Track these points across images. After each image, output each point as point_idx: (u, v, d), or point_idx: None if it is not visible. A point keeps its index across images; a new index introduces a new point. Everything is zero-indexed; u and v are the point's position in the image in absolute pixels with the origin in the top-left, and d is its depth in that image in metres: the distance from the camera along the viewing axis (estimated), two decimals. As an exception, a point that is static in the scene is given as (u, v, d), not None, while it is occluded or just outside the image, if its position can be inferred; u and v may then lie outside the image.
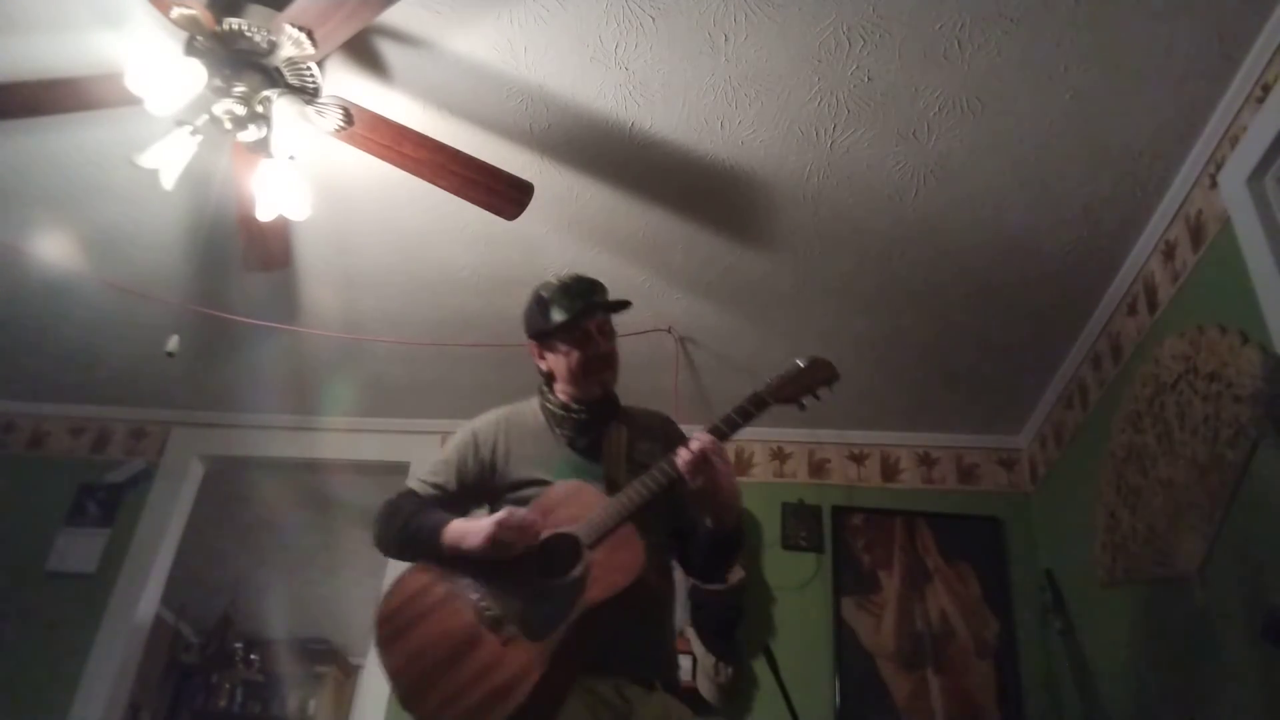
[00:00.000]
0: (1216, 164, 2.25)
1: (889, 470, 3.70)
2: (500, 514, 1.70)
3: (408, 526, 1.82)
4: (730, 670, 3.22)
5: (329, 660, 6.80)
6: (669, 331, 3.19)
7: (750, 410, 1.79)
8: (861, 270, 2.86)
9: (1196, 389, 2.32)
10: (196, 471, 4.02)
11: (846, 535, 3.54)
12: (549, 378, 1.97)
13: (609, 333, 1.95)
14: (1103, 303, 2.90)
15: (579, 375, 1.90)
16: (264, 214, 2.32)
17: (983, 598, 3.37)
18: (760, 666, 3.18)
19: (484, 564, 1.70)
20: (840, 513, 3.58)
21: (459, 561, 1.73)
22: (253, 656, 6.42)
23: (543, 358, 1.96)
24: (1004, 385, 3.39)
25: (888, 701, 3.22)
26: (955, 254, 2.76)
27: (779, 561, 3.50)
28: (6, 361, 3.78)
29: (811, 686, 3.20)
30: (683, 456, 1.70)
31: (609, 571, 1.64)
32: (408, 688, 1.65)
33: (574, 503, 1.74)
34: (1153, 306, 2.62)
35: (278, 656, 6.55)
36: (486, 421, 1.96)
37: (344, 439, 3.95)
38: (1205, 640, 2.24)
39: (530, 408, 1.99)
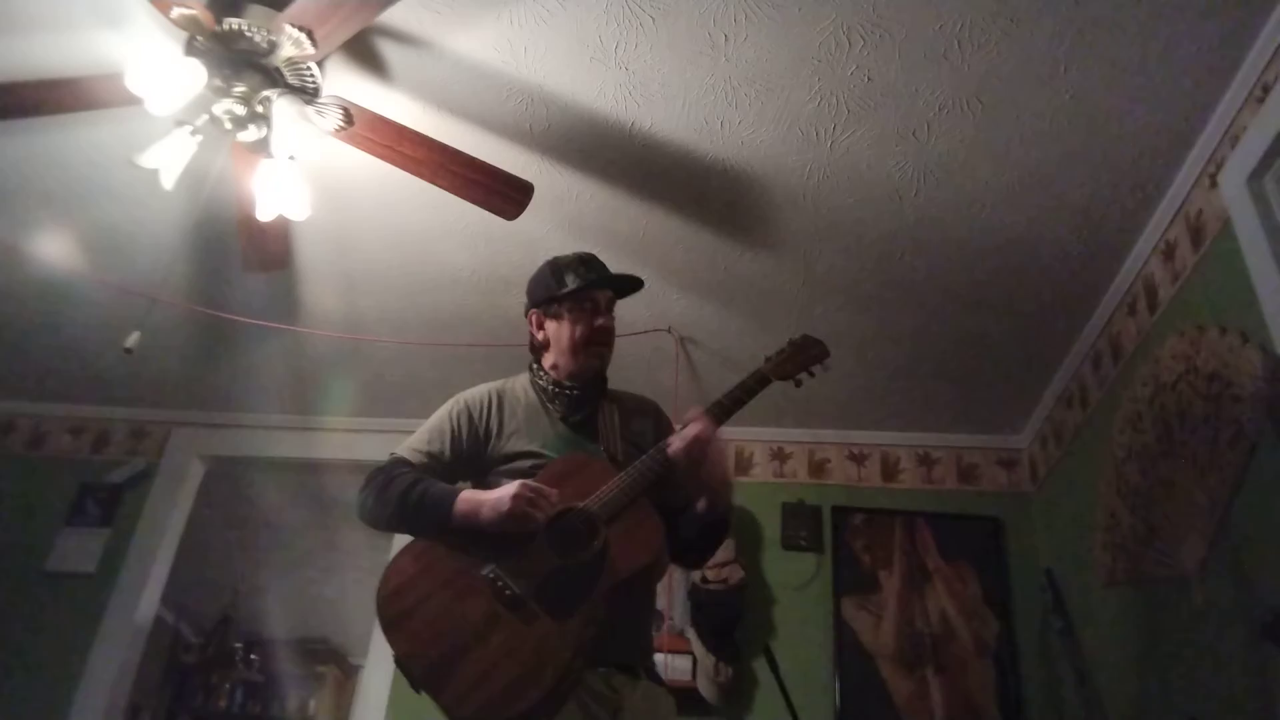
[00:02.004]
0: (1216, 164, 2.25)
1: (889, 470, 3.70)
2: (516, 484, 1.64)
3: (409, 495, 1.71)
4: (730, 670, 3.22)
5: (329, 660, 6.79)
6: (669, 331, 3.19)
7: (752, 387, 1.84)
8: (861, 270, 2.86)
9: (1196, 389, 2.32)
10: (196, 471, 4.02)
11: (846, 535, 3.54)
12: (542, 349, 1.96)
13: (612, 312, 1.96)
14: (1103, 303, 2.90)
15: (579, 346, 1.89)
16: (264, 214, 2.32)
17: (983, 598, 3.37)
18: (760, 666, 3.19)
19: (494, 539, 1.64)
20: (840, 513, 3.58)
21: (466, 535, 1.66)
22: (253, 656, 6.41)
23: (541, 328, 1.96)
24: (1004, 385, 3.39)
25: (888, 701, 3.22)
26: (955, 254, 2.76)
27: (779, 561, 3.51)
28: (6, 361, 3.78)
29: (811, 686, 3.21)
30: (675, 444, 1.71)
31: (629, 547, 1.62)
32: (426, 671, 1.55)
33: (581, 476, 1.71)
34: (1153, 306, 2.62)
35: (278, 656, 6.54)
36: (477, 392, 1.93)
37: (344, 439, 3.94)
38: (1205, 640, 2.24)
39: (520, 383, 1.97)
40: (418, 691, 1.57)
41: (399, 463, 1.83)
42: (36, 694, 3.45)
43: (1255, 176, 2.10)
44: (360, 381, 3.70)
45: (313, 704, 6.73)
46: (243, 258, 2.73)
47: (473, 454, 1.85)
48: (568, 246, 2.83)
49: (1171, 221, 2.50)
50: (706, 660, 3.21)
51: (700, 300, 3.06)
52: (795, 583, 3.46)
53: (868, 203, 2.60)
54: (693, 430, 1.73)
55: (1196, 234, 2.38)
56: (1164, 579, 2.44)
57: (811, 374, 1.89)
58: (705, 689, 3.19)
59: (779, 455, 3.75)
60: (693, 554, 1.92)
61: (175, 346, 3.54)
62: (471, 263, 2.98)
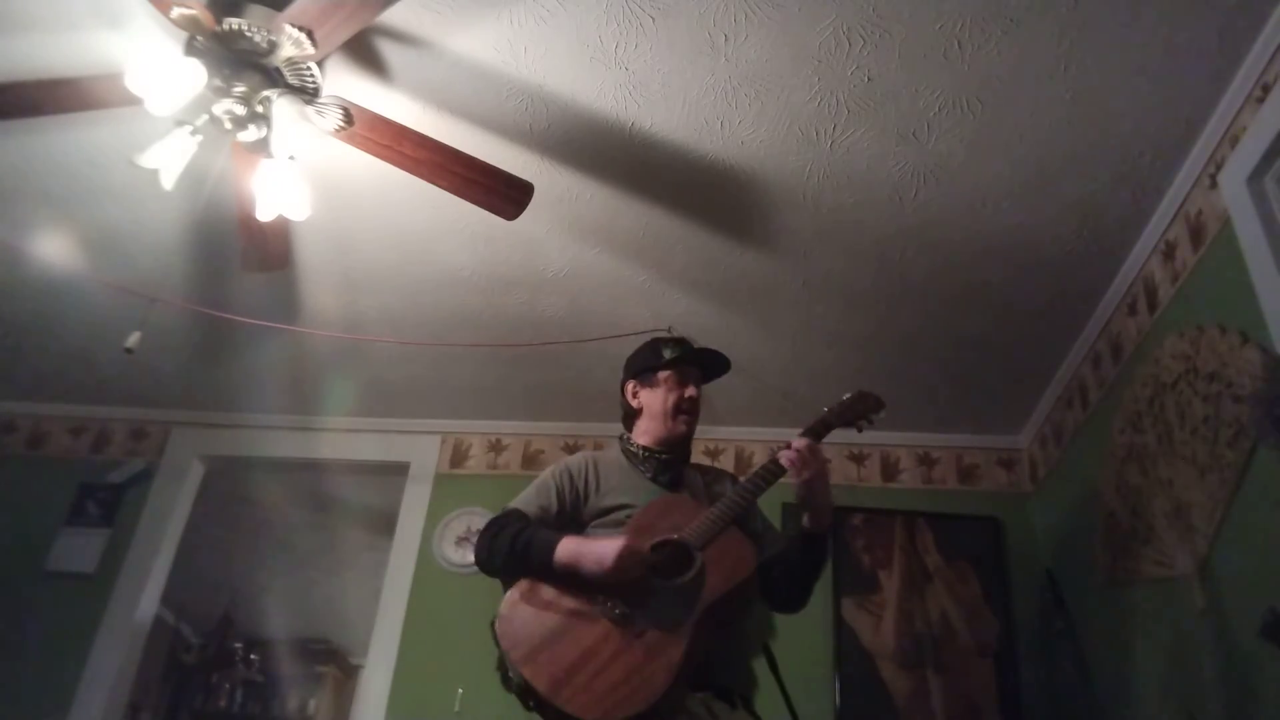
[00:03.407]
0: (1216, 164, 2.25)
1: (889, 470, 3.70)
2: (616, 545, 1.77)
3: (517, 540, 1.85)
4: (730, 670, 3.22)
5: (329, 660, 6.80)
6: (669, 332, 3.19)
7: (820, 431, 2.01)
8: (861, 270, 2.86)
9: (1196, 389, 2.32)
10: (196, 471, 4.01)
11: (846, 535, 3.53)
12: (634, 417, 2.17)
13: (700, 388, 2.19)
14: (1103, 303, 2.90)
15: (670, 412, 2.11)
16: (264, 214, 2.32)
17: (983, 598, 3.37)
18: (760, 666, 3.18)
19: None
20: (840, 513, 3.57)
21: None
22: (253, 656, 6.42)
23: (635, 395, 2.19)
24: (1004, 385, 3.39)
25: (888, 701, 3.22)
26: (955, 254, 2.76)
27: (779, 561, 3.50)
28: (6, 361, 3.78)
29: (811, 686, 3.20)
30: (786, 455, 1.90)
31: (725, 567, 1.79)
32: (550, 686, 1.66)
33: (673, 514, 1.89)
34: (1153, 306, 2.62)
35: (278, 656, 6.55)
36: (576, 458, 2.13)
37: (344, 439, 3.95)
38: (1205, 640, 2.24)
39: (612, 452, 2.18)
40: (529, 708, 1.70)
41: (511, 514, 1.97)
42: (36, 694, 3.45)
43: (1255, 176, 2.10)
44: (360, 381, 3.70)
45: (313, 704, 6.73)
46: (243, 258, 2.73)
47: (574, 509, 2.02)
48: (567, 247, 2.87)
49: (1171, 221, 2.50)
50: (707, 660, 3.21)
51: (700, 300, 3.06)
52: (795, 583, 3.45)
53: (868, 203, 2.60)
54: (800, 443, 1.92)
55: (1196, 234, 2.38)
56: (1164, 579, 2.45)
57: (871, 421, 2.07)
58: (705, 689, 3.19)
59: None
60: (794, 590, 2.02)
61: (175, 346, 3.54)
62: (471, 263, 2.98)
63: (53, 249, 3.03)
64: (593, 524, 1.98)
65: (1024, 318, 3.01)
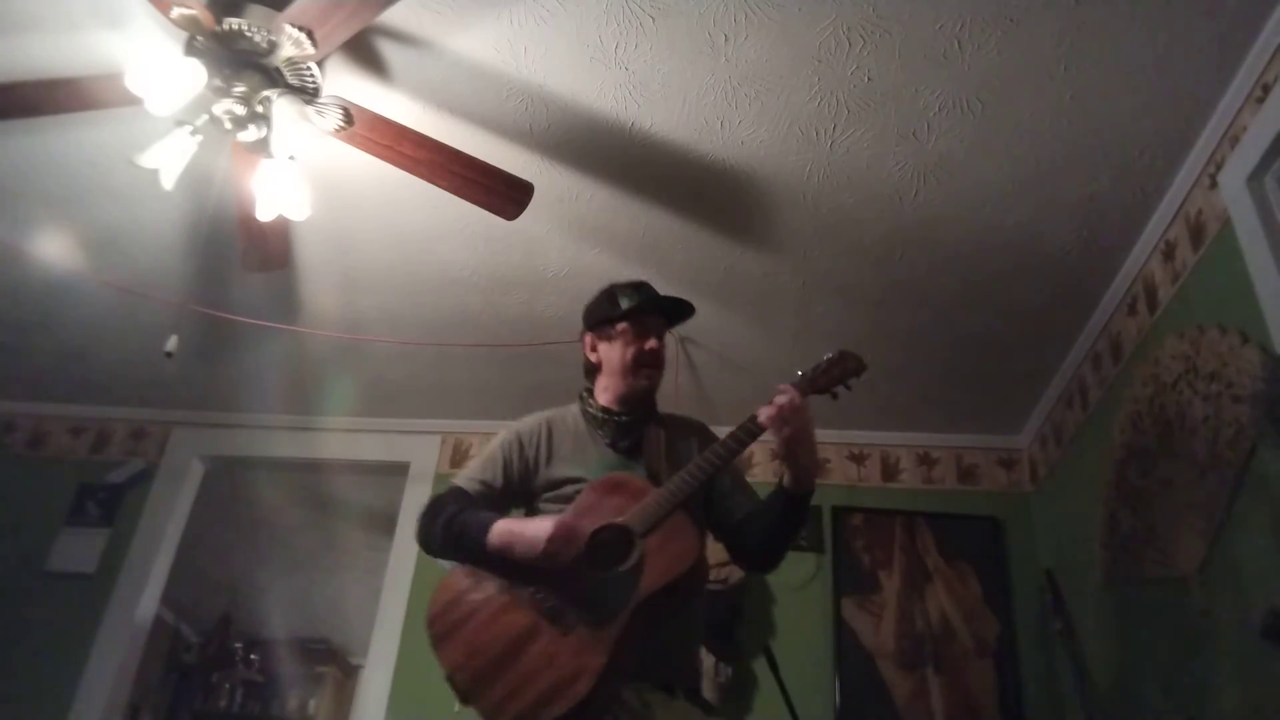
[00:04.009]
0: (1216, 164, 2.25)
1: (889, 470, 3.70)
2: (548, 526, 1.68)
3: (452, 524, 1.80)
4: (730, 670, 3.22)
5: (329, 660, 6.80)
6: (669, 332, 3.18)
7: (804, 390, 1.83)
8: (861, 270, 2.86)
9: (1196, 389, 2.32)
10: (196, 471, 4.02)
11: (846, 535, 3.54)
12: (594, 373, 2.03)
13: (663, 338, 2.03)
14: (1103, 303, 2.90)
15: (630, 366, 1.95)
16: (264, 214, 2.32)
17: (983, 598, 3.37)
18: (760, 666, 3.19)
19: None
20: (840, 513, 3.58)
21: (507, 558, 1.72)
22: (253, 656, 6.42)
23: (594, 350, 2.03)
24: (1004, 385, 3.40)
25: (888, 701, 3.22)
26: (955, 254, 2.76)
27: (779, 561, 3.50)
28: (6, 361, 3.78)
29: (811, 686, 3.21)
30: (766, 411, 1.74)
31: (664, 559, 1.65)
32: (469, 682, 1.62)
33: (621, 493, 1.76)
34: (1153, 306, 2.62)
35: (278, 656, 6.55)
36: (529, 422, 2.00)
37: (344, 439, 3.95)
38: (1205, 640, 2.24)
39: (571, 412, 2.03)
40: (465, 703, 1.63)
41: (452, 493, 1.90)
42: (36, 694, 3.45)
43: (1255, 176, 2.10)
44: (360, 381, 3.70)
45: (313, 704, 6.74)
46: (243, 258, 2.73)
47: (523, 481, 1.92)
48: (567, 247, 2.87)
49: (1171, 221, 2.50)
50: (706, 660, 3.21)
51: (700, 300, 3.03)
52: (795, 583, 3.46)
53: (868, 203, 2.60)
54: (782, 398, 1.75)
55: (1196, 234, 2.38)
56: (1164, 579, 2.44)
57: (848, 387, 1.88)
58: (705, 689, 3.18)
59: (779, 455, 3.74)
60: (768, 550, 1.91)
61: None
62: (471, 263, 2.98)
63: (53, 249, 3.03)
64: (543, 498, 1.90)
65: (1024, 318, 3.01)
